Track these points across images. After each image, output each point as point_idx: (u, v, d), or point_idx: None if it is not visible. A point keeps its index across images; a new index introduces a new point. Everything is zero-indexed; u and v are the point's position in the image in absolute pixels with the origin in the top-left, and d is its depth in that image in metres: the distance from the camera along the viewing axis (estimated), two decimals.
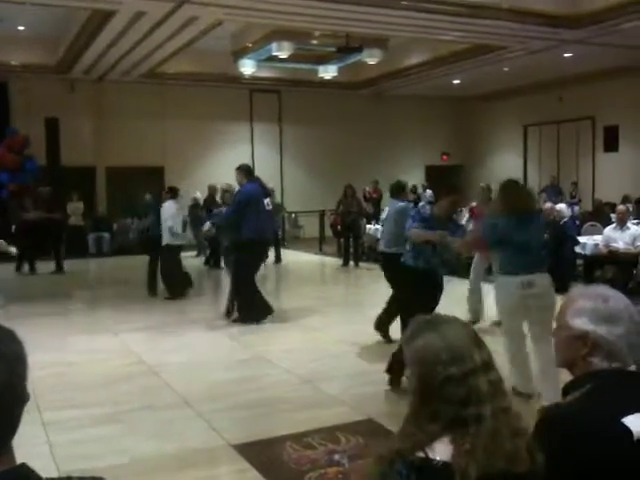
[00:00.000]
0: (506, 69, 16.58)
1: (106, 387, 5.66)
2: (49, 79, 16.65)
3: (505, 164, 20.70)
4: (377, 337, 7.03)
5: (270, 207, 8.40)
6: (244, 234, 8.03)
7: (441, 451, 1.57)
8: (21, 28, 14.52)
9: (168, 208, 9.95)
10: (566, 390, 1.83)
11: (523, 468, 1.55)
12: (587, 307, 1.77)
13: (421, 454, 1.57)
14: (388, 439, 1.69)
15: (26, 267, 13.22)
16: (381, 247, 7.25)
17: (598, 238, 9.92)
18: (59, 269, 13.18)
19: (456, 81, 18.53)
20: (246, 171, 8.45)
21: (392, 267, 6.58)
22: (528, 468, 1.56)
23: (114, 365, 6.37)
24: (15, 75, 16.29)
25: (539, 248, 5.14)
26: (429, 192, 16.96)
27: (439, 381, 1.57)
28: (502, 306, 5.20)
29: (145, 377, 5.97)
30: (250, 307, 8.20)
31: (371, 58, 14.72)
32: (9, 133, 15.86)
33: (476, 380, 1.58)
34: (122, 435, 4.56)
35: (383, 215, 7.30)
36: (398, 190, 7.29)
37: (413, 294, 5.48)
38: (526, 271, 4.90)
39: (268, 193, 8.70)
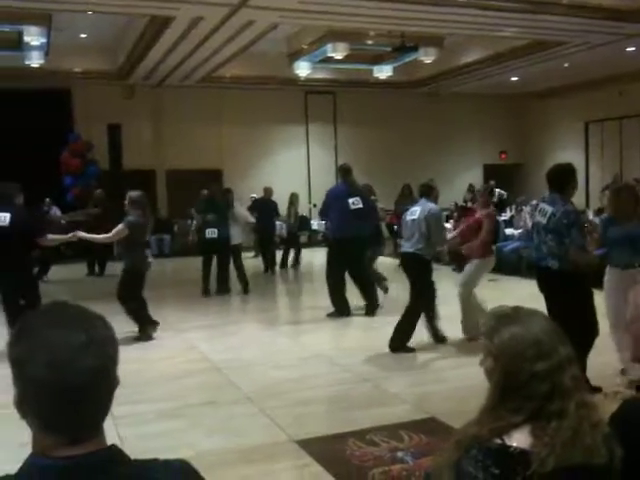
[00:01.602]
0: (566, 65, 16.22)
1: (171, 383, 5.80)
2: (110, 85, 17.10)
3: (566, 161, 20.22)
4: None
5: (358, 206, 8.43)
6: (333, 233, 8.58)
7: (519, 439, 1.56)
8: (83, 36, 14.97)
9: (240, 209, 10.35)
10: None
11: (601, 461, 1.53)
12: None
13: (498, 441, 1.57)
14: (464, 427, 1.67)
15: (96, 269, 13.56)
16: (406, 248, 6.85)
17: None
18: None
19: (514, 78, 18.22)
20: (342, 171, 8.72)
21: (418, 268, 6.63)
22: (606, 461, 1.54)
23: (178, 362, 6.53)
24: (77, 82, 16.79)
25: None
26: (498, 190, 16.72)
27: (525, 377, 1.56)
28: None
29: (208, 374, 6.09)
30: (336, 301, 8.47)
31: (427, 57, 14.61)
32: (72, 139, 16.37)
33: (561, 375, 1.56)
34: (187, 430, 4.66)
35: (413, 216, 6.79)
36: (428, 191, 7.07)
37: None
38: None
39: (356, 192, 8.62)
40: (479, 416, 1.63)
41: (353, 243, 8.32)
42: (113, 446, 1.18)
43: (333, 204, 8.43)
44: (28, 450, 1.17)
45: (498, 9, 11.20)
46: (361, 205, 8.43)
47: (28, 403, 1.12)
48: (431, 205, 6.85)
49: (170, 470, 1.21)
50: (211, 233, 10.28)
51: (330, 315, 8.48)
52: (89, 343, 1.12)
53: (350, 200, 8.35)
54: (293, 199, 14.55)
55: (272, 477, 4.00)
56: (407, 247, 6.81)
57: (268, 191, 14.07)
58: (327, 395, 5.40)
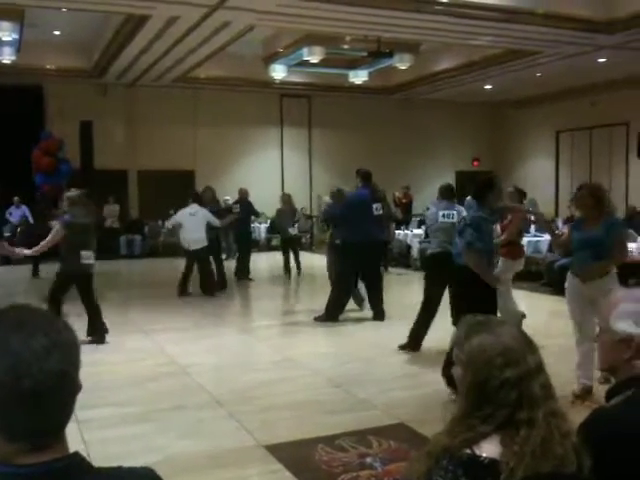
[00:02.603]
0: (539, 74, 16.43)
1: (138, 386, 5.72)
2: (83, 83, 16.91)
3: (537, 170, 20.50)
4: (404, 341, 7.01)
5: (380, 212, 8.63)
6: (345, 236, 8.44)
7: (489, 449, 1.56)
8: (57, 33, 14.79)
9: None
10: (610, 394, 1.81)
11: (571, 469, 1.53)
12: (630, 310, 1.75)
13: (468, 451, 1.56)
14: (429, 439, 1.67)
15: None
16: (434, 248, 6.86)
17: (633, 245, 9.77)
18: None
19: (488, 86, 18.41)
20: (363, 175, 8.60)
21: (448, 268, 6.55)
22: (575, 470, 1.54)
23: (146, 365, 6.44)
24: (50, 79, 16.57)
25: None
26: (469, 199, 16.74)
27: (494, 385, 1.56)
28: None
29: (177, 377, 6.02)
30: (336, 306, 8.46)
31: (402, 63, 14.70)
32: (44, 136, 16.11)
33: (529, 384, 1.57)
34: (154, 434, 4.60)
35: (440, 217, 6.80)
36: (451, 193, 7.08)
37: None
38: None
39: (378, 199, 8.82)
40: (450, 425, 1.62)
41: (374, 249, 8.43)
42: (77, 453, 1.15)
43: (356, 209, 8.39)
44: None
45: (474, 17, 11.29)
46: (382, 211, 8.67)
47: None
48: (470, 211, 6.96)
49: (134, 477, 1.20)
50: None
51: (317, 319, 8.43)
52: (51, 347, 1.09)
53: (374, 206, 8.51)
54: (285, 199, 13.82)
55: None
56: (434, 247, 6.89)
57: (244, 192, 13.82)
58: (297, 400, 5.37)
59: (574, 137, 19.53)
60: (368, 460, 4.02)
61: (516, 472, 1.51)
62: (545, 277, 10.91)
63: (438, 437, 1.62)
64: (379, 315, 8.50)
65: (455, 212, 6.84)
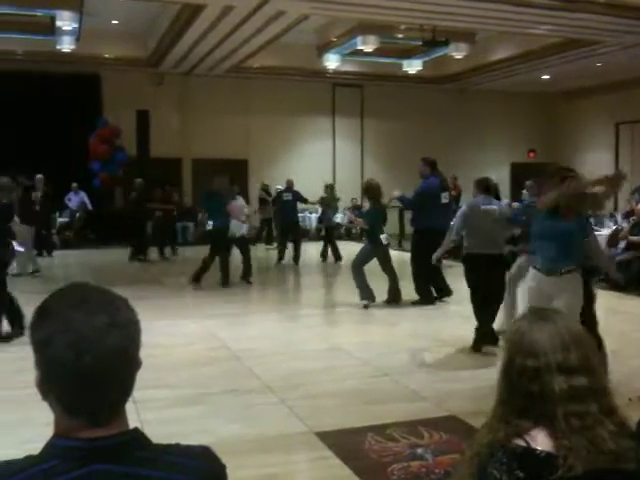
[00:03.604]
0: (599, 64, 15.99)
1: (192, 370, 5.83)
2: (139, 72, 17.20)
3: (595, 163, 19.96)
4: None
5: (447, 201, 8.81)
6: (420, 223, 8.63)
7: (542, 442, 1.53)
8: (114, 22, 15.07)
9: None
10: None
11: (630, 467, 1.50)
12: None
13: (522, 443, 1.54)
14: (477, 432, 1.66)
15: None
16: (478, 249, 6.36)
17: None
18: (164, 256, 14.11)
19: (545, 76, 18.01)
20: (431, 164, 8.63)
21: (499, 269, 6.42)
22: (636, 467, 1.51)
23: (199, 349, 6.57)
24: (107, 68, 16.90)
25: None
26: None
27: (515, 372, 1.58)
28: None
29: (228, 362, 6.11)
30: (426, 291, 8.65)
31: (457, 52, 14.50)
32: (100, 124, 16.49)
33: (550, 379, 1.55)
34: (207, 416, 4.68)
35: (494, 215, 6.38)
36: (488, 186, 6.70)
37: None
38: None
39: (446, 187, 8.94)
40: (489, 421, 1.63)
41: (439, 236, 8.43)
42: (136, 429, 1.17)
43: (428, 197, 8.53)
44: (50, 430, 1.16)
45: (532, 5, 11.06)
46: (447, 200, 8.81)
47: (50, 385, 1.12)
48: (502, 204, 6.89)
49: (192, 455, 1.21)
50: (208, 225, 10.49)
51: (415, 303, 8.65)
52: (111, 325, 1.11)
53: (442, 195, 8.64)
54: (328, 190, 14.46)
55: (290, 468, 3.99)
56: (478, 248, 6.34)
57: (290, 182, 14.12)
58: (346, 388, 5.38)
59: (634, 130, 18.95)
60: (419, 451, 4.00)
61: (576, 467, 1.48)
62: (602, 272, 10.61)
63: (480, 437, 1.62)
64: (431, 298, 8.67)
65: (495, 207, 6.47)
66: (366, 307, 8.53)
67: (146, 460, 1.13)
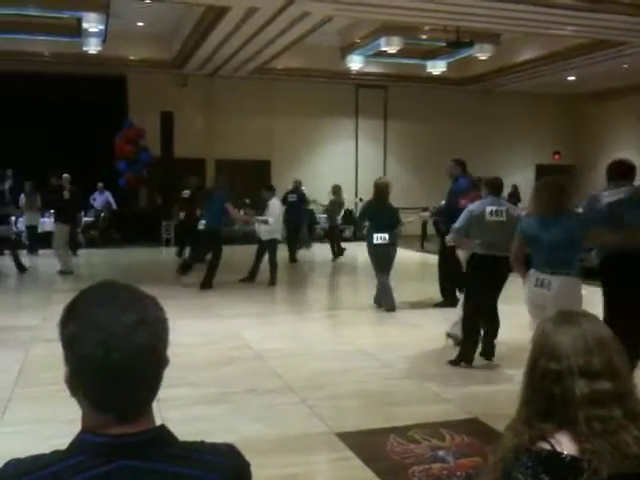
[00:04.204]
0: (625, 65, 15.80)
1: (214, 368, 5.87)
2: (164, 73, 17.35)
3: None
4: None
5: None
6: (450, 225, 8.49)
7: (567, 446, 1.52)
8: (140, 24, 15.21)
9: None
10: None
11: None
12: None
13: (547, 447, 1.53)
14: (501, 436, 1.66)
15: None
16: (485, 250, 6.11)
17: None
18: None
19: (570, 78, 17.84)
20: (463, 165, 8.59)
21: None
22: None
23: (221, 348, 6.61)
24: (132, 69, 17.07)
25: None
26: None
27: (537, 373, 1.58)
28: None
29: (250, 361, 6.14)
30: (452, 294, 8.46)
31: (482, 53, 14.42)
32: (126, 125, 16.66)
33: (571, 383, 1.54)
34: (228, 415, 4.71)
35: (487, 215, 6.04)
36: (500, 187, 6.44)
37: None
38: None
39: (477, 188, 8.85)
40: (513, 423, 1.62)
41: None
42: (162, 426, 1.18)
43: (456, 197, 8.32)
44: (76, 426, 1.18)
45: (557, 6, 10.96)
46: None
47: (78, 381, 1.13)
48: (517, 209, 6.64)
49: (217, 452, 1.22)
50: (200, 225, 10.46)
51: (438, 305, 8.62)
52: (140, 322, 1.12)
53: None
54: (335, 190, 14.62)
55: (311, 468, 4.00)
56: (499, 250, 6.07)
57: (298, 183, 14.27)
58: (368, 389, 5.38)
59: None
60: (441, 453, 3.99)
61: (600, 471, 1.47)
62: None
63: (506, 441, 1.61)
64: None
65: (504, 209, 6.14)
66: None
67: (173, 457, 1.15)
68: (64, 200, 11.95)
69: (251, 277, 10.66)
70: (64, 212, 11.86)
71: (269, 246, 10.58)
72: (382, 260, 8.51)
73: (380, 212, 8.52)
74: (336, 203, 14.97)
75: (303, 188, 14.57)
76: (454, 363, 6.05)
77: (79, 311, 1.14)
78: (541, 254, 4.74)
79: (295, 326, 7.82)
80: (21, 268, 11.74)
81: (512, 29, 13.34)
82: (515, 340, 6.61)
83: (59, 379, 1.19)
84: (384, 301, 8.58)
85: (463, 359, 6.04)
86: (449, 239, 6.61)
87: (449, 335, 6.64)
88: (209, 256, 10.35)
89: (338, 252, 14.12)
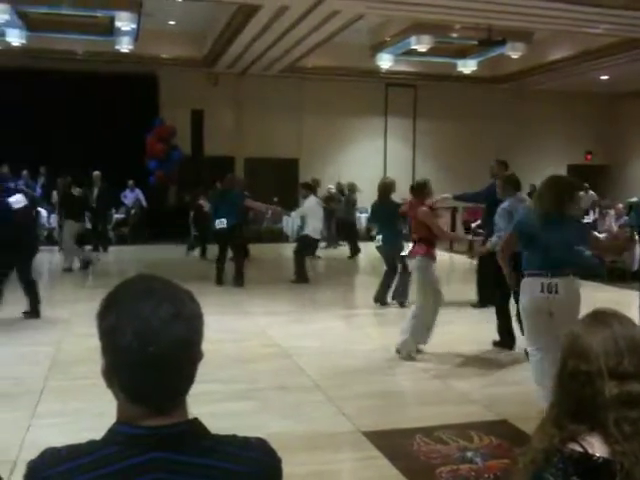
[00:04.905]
0: None
1: (243, 365, 5.92)
2: (195, 72, 17.45)
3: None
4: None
5: None
6: (491, 227, 8.50)
7: (599, 448, 1.50)
8: (171, 23, 15.34)
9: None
10: None
11: None
12: None
13: (578, 448, 1.52)
14: (531, 439, 1.64)
15: (196, 252, 13.85)
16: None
17: None
18: None
19: (604, 77, 17.56)
20: (505, 165, 8.54)
21: None
22: None
23: (250, 345, 6.66)
24: (164, 68, 17.21)
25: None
26: (592, 194, 16.36)
27: (567, 373, 1.56)
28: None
29: (279, 359, 6.17)
30: (489, 295, 8.27)
31: (514, 52, 14.26)
32: (157, 123, 16.82)
33: (600, 384, 1.52)
34: (256, 412, 4.73)
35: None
36: (518, 186, 6.42)
37: None
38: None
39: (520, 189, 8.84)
40: (543, 424, 1.60)
41: None
42: (196, 419, 1.19)
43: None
44: (107, 419, 1.20)
45: (590, 4, 10.80)
46: None
47: (115, 373, 1.15)
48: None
49: (250, 446, 1.23)
50: (220, 223, 10.27)
51: (475, 306, 8.59)
52: (176, 316, 1.13)
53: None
54: (350, 189, 14.75)
55: (338, 466, 4.01)
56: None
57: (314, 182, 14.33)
58: (395, 389, 5.37)
59: None
60: (469, 454, 3.96)
61: (633, 473, 1.45)
62: None
63: (536, 443, 1.60)
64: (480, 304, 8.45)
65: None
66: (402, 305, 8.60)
67: (207, 450, 1.16)
68: (73, 197, 12.09)
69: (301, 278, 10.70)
70: (73, 209, 11.99)
71: (299, 243, 10.71)
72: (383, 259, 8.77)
73: (379, 211, 8.81)
74: (351, 201, 15.30)
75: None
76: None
77: (117, 303, 1.16)
78: (539, 254, 4.51)
79: (324, 324, 7.80)
80: (85, 264, 11.90)
81: (545, 27, 13.18)
82: None
83: (89, 373, 1.22)
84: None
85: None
86: (493, 243, 6.23)
87: (399, 351, 6.26)
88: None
89: (354, 250, 14.18)
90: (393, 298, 8.78)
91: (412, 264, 6.50)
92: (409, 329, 6.17)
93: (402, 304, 8.57)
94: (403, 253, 7.03)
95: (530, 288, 4.51)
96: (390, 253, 8.61)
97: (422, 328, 6.24)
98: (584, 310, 1.71)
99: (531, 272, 4.54)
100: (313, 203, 11.06)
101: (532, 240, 4.54)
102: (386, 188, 8.77)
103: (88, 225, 12.84)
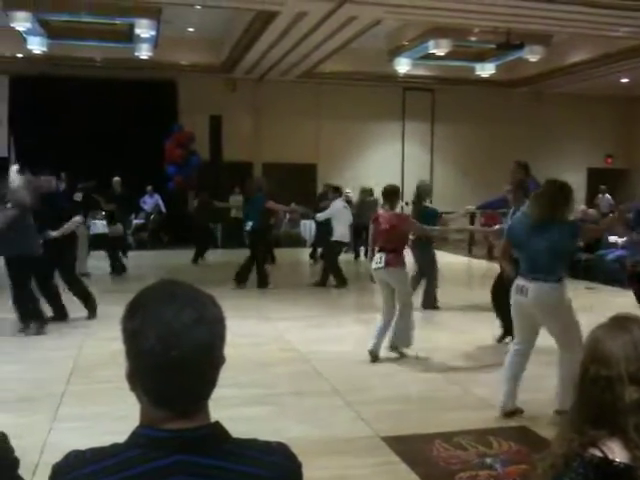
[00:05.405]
0: None
1: (261, 370, 5.93)
2: (213, 78, 17.56)
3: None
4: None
5: None
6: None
7: (620, 453, 1.50)
8: (190, 29, 15.45)
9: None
10: None
11: None
12: None
13: (599, 454, 1.51)
14: (551, 444, 1.64)
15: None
16: None
17: None
18: None
19: (624, 80, 17.42)
20: (526, 167, 8.41)
21: None
22: None
23: (268, 349, 6.68)
24: (183, 74, 17.34)
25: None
26: (608, 197, 16.20)
27: (587, 378, 1.55)
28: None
29: (297, 364, 6.18)
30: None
31: (532, 55, 14.20)
32: (176, 129, 16.93)
33: (621, 389, 1.51)
34: (273, 417, 4.74)
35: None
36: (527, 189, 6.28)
37: None
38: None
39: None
40: (563, 429, 1.60)
41: None
42: (217, 423, 1.21)
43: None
44: (128, 423, 1.21)
45: (610, 7, 10.73)
46: None
47: (139, 376, 1.16)
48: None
49: (271, 450, 1.24)
50: (247, 226, 10.55)
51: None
52: (199, 320, 1.15)
53: None
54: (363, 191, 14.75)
55: (357, 471, 4.00)
56: None
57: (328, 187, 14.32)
58: (414, 394, 5.35)
59: None
60: (488, 460, 3.95)
61: None
62: None
63: (556, 447, 1.59)
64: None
65: None
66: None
67: (228, 453, 1.17)
68: (76, 203, 12.21)
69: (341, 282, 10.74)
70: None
71: (325, 247, 10.76)
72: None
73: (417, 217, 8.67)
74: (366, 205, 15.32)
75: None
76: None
77: (140, 308, 1.18)
78: (523, 258, 4.72)
79: (342, 329, 7.81)
80: (118, 269, 12.03)
81: (564, 30, 13.12)
82: None
83: (112, 377, 1.24)
84: None
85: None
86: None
87: (371, 352, 6.27)
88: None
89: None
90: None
91: (393, 277, 6.33)
92: (394, 327, 6.39)
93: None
94: (375, 265, 6.45)
95: (514, 289, 4.74)
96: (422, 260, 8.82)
97: (406, 329, 6.42)
98: (605, 316, 1.69)
99: (519, 273, 4.76)
100: (340, 206, 11.05)
101: (518, 245, 4.78)
102: (387, 193, 8.46)
103: (106, 230, 12.92)
